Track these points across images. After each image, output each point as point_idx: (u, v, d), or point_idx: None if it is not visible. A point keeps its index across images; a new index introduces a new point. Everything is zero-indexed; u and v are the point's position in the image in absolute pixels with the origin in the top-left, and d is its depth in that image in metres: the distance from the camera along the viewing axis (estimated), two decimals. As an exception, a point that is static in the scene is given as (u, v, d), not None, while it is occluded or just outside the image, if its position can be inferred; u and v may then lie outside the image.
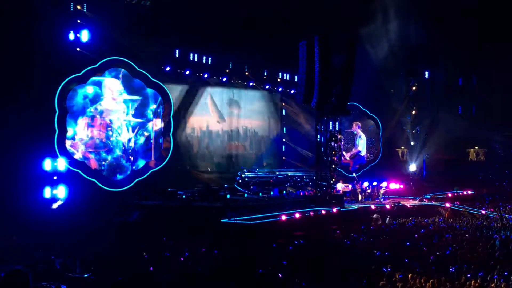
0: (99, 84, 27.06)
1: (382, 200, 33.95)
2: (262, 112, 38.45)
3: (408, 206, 32.29)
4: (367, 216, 28.59)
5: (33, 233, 21.31)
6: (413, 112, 42.48)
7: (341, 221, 26.91)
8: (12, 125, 23.48)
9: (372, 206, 31.02)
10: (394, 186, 36.99)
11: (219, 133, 35.61)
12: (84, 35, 25.60)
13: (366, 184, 35.19)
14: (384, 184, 35.41)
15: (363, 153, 41.52)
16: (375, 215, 28.32)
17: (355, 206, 31.10)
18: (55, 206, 24.08)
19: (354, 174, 36.71)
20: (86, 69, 26.06)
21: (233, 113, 36.25)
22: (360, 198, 33.75)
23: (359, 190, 34.17)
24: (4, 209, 22.09)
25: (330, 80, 30.53)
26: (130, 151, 28.30)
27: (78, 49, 25.89)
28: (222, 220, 24.58)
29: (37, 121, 24.34)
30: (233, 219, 24.68)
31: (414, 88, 42.25)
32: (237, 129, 36.48)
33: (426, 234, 22.73)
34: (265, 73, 36.82)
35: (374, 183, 35.25)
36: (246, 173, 34.55)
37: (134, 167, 28.26)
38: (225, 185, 31.57)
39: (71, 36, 25.35)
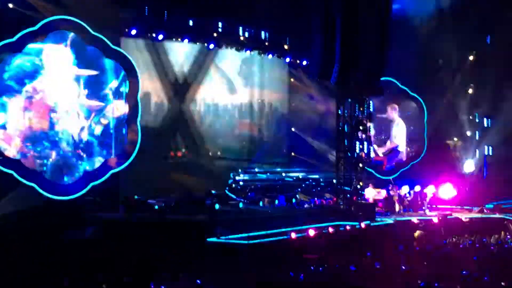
0: (38, 54, 26.91)
1: (427, 211, 33.90)
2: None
3: (464, 219, 32.26)
4: (407, 234, 28.56)
5: None
6: (470, 92, 42.32)
7: (371, 240, 26.85)
8: None
9: (414, 220, 30.96)
10: (444, 192, 36.94)
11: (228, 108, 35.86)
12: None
13: (405, 189, 35.16)
14: (430, 189, 35.39)
15: (402, 147, 41.42)
16: (418, 232, 28.31)
17: (390, 220, 31.07)
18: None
19: (390, 177, 36.66)
20: (21, 33, 25.76)
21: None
22: (397, 208, 33.75)
23: (396, 197, 34.14)
24: None
25: (357, 46, 30.42)
26: (81, 145, 28.17)
27: (10, 5, 25.69)
28: (208, 239, 24.48)
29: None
30: (223, 237, 24.56)
31: (471, 58, 42.09)
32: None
33: (488, 258, 22.67)
34: (266, 37, 36.65)
35: (417, 188, 35.23)
36: (241, 175, 34.46)
37: (87, 167, 28.15)
38: (212, 191, 31.50)
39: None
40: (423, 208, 34.39)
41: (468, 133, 42.43)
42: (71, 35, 27.46)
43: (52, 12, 26.70)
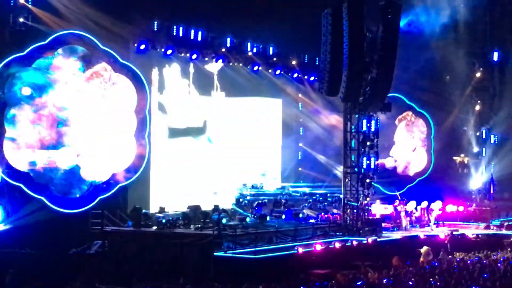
0: (48, 68, 26.97)
1: (434, 227, 33.81)
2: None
3: (470, 235, 32.15)
4: (413, 249, 28.46)
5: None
6: (477, 108, 42.31)
7: (378, 256, 26.77)
8: None
9: (421, 235, 30.85)
10: (450, 208, 36.90)
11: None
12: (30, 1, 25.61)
13: (412, 205, 35.08)
14: (436, 205, 35.30)
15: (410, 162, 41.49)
16: (424, 248, 28.21)
17: (397, 235, 30.97)
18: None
19: (396, 192, 36.58)
20: (31, 47, 25.96)
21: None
22: (404, 224, 33.68)
23: (403, 213, 34.07)
24: None
25: (364, 62, 30.44)
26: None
27: (21, 19, 25.84)
28: (215, 254, 24.45)
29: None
30: (230, 252, 24.52)
31: (478, 74, 42.08)
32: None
33: (494, 275, 22.54)
34: (274, 53, 36.73)
35: (424, 204, 35.15)
36: (248, 190, 34.44)
37: (96, 180, 28.16)
38: (220, 206, 31.48)
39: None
40: (430, 224, 34.30)
41: (476, 150, 42.37)
42: (81, 49, 27.54)
43: (62, 26, 26.84)
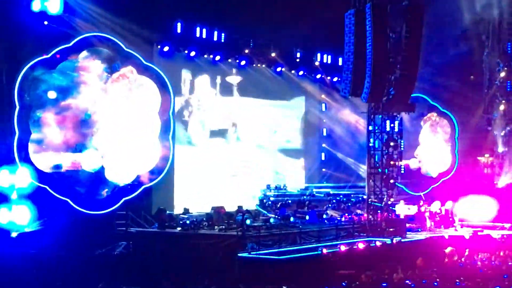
0: (74, 70, 27.09)
1: (458, 227, 33.66)
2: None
3: (496, 236, 31.95)
4: (438, 250, 28.35)
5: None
6: (502, 108, 42.00)
7: (402, 257, 26.68)
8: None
9: (445, 236, 30.73)
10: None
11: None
12: (54, 4, 25.66)
13: (436, 205, 34.94)
14: (460, 205, 35.12)
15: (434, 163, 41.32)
16: (449, 249, 28.09)
17: (421, 236, 30.87)
18: (14, 234, 24.16)
19: (421, 192, 36.43)
20: (56, 50, 26.04)
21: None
22: (428, 224, 33.54)
23: (428, 214, 33.94)
24: None
25: (388, 63, 30.36)
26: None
27: (45, 22, 25.95)
28: (239, 255, 24.48)
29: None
30: (254, 252, 24.53)
31: (502, 74, 41.79)
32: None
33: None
34: (299, 55, 36.74)
35: (448, 205, 34.98)
36: (272, 191, 34.45)
37: (120, 182, 28.24)
38: (243, 207, 31.53)
39: (36, 5, 25.42)
40: (454, 224, 34.13)
41: (501, 150, 42.05)
42: (105, 51, 27.63)
43: (86, 29, 26.96)
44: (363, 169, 35.55)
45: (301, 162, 39.13)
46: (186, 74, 33.30)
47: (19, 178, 24.62)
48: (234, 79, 35.06)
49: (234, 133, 35.64)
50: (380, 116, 31.98)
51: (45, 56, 25.83)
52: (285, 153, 38.09)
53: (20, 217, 24.36)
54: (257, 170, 36.46)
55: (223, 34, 32.76)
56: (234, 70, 35.09)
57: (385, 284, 21.61)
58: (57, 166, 26.43)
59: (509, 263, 25.80)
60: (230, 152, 35.43)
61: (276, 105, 37.75)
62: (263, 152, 36.93)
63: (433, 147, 41.31)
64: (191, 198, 32.17)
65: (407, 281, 21.73)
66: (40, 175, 25.76)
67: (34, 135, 25.91)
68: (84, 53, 27.15)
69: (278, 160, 37.69)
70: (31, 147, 25.81)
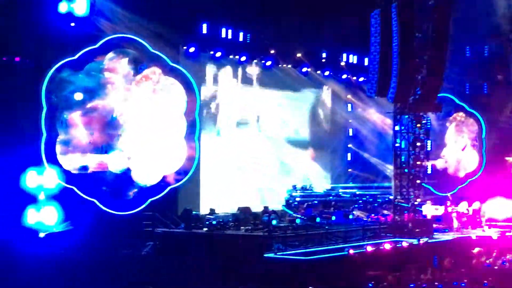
0: (100, 71, 27.22)
1: (486, 228, 33.44)
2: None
3: (523, 236, 31.77)
4: (465, 251, 28.19)
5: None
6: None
7: (429, 257, 26.55)
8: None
9: (473, 237, 30.54)
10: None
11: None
12: (80, 6, 25.81)
13: (464, 206, 34.73)
14: (488, 205, 34.88)
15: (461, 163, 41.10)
16: (476, 249, 27.93)
17: (448, 237, 30.70)
18: (42, 235, 24.33)
19: (448, 193, 36.25)
20: (82, 51, 26.21)
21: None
22: (456, 225, 33.34)
23: (455, 214, 33.74)
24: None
25: (414, 62, 30.22)
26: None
27: (72, 24, 26.10)
28: (265, 255, 24.44)
29: (17, 120, 24.63)
30: (280, 253, 24.52)
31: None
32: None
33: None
34: (324, 55, 36.69)
35: (475, 205, 34.76)
36: (298, 191, 34.43)
37: (146, 183, 28.33)
38: (269, 208, 31.53)
39: (63, 7, 25.57)
40: (482, 225, 33.90)
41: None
42: (132, 53, 27.74)
43: (112, 31, 27.08)
44: (389, 170, 35.41)
45: (327, 162, 39.04)
46: (210, 68, 33.39)
47: (47, 179, 24.82)
48: (253, 70, 35.06)
49: (258, 129, 35.74)
50: (407, 116, 31.83)
51: (71, 58, 26.00)
52: (310, 153, 37.99)
53: (48, 218, 24.53)
54: (283, 170, 36.47)
55: (248, 35, 32.79)
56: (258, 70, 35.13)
57: (412, 285, 21.56)
58: (84, 167, 26.59)
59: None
60: (256, 153, 35.48)
61: (299, 105, 37.75)
62: (288, 152, 36.90)
63: (459, 148, 41.09)
64: (217, 198, 32.17)
65: (435, 282, 21.66)
66: (67, 176, 25.94)
67: (61, 136, 26.11)
68: (111, 55, 27.31)
69: (303, 161, 37.62)
70: (58, 148, 25.99)
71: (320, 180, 37.86)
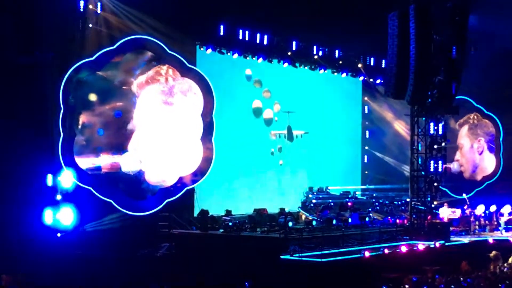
0: (117, 72, 27.19)
1: (503, 231, 33.30)
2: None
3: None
4: (482, 254, 28.03)
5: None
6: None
7: (446, 260, 26.44)
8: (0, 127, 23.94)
9: (490, 240, 30.40)
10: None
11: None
12: (99, 6, 25.96)
13: (481, 209, 34.58)
14: (507, 209, 34.72)
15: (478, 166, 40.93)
16: (494, 253, 27.76)
17: (465, 240, 30.57)
18: (58, 235, 24.46)
19: (465, 196, 36.10)
20: (100, 52, 26.24)
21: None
22: (472, 228, 33.18)
23: (472, 217, 33.60)
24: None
25: (432, 65, 30.12)
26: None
27: (90, 25, 26.17)
28: (281, 257, 24.44)
29: (34, 121, 24.73)
30: (297, 255, 24.48)
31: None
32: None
33: None
34: (340, 56, 36.63)
35: (493, 208, 34.63)
36: (314, 193, 34.41)
37: (163, 184, 28.37)
38: (286, 210, 31.51)
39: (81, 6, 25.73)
40: (499, 228, 33.75)
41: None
42: (149, 53, 27.79)
43: (130, 32, 27.13)
44: (406, 172, 35.32)
45: (344, 165, 38.96)
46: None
47: (64, 179, 24.86)
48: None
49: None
50: (424, 118, 31.77)
51: (89, 59, 26.05)
52: (326, 155, 37.94)
53: (65, 218, 24.59)
54: (299, 172, 36.47)
55: (265, 36, 32.72)
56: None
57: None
58: (98, 168, 26.63)
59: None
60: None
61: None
62: (303, 153, 36.87)
63: (476, 152, 40.92)
64: (233, 200, 32.19)
65: (451, 286, 21.55)
66: (84, 176, 25.97)
67: (78, 137, 26.13)
68: (128, 56, 27.35)
69: (318, 162, 37.58)
70: (75, 149, 26.03)
71: (336, 182, 37.72)
